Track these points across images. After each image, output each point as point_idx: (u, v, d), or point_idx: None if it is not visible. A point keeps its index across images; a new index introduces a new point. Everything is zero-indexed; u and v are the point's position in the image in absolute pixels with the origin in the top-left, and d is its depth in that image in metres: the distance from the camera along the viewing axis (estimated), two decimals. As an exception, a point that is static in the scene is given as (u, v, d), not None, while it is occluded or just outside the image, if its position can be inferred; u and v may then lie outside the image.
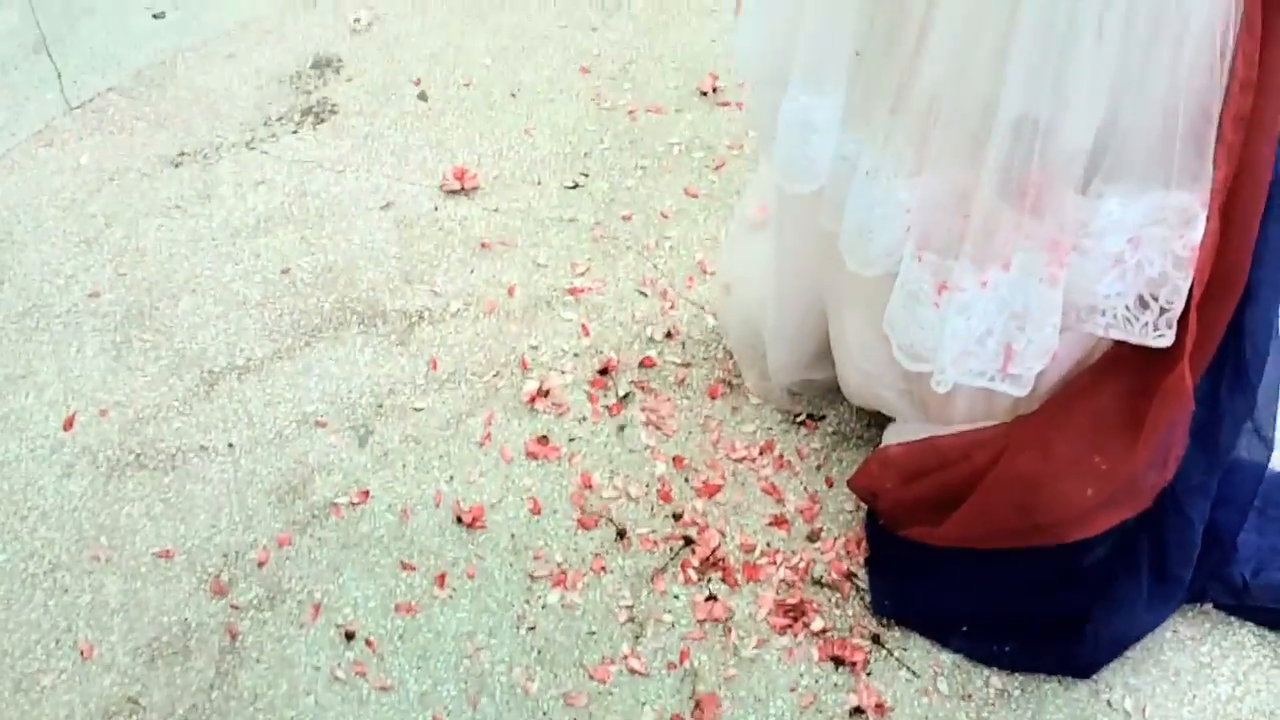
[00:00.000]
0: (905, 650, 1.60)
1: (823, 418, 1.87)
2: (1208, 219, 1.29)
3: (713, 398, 1.91)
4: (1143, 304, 1.35)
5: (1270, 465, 1.56)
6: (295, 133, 2.45)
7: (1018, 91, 1.27)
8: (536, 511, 1.76)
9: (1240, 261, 1.36)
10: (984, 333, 1.38)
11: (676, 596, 1.65)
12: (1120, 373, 1.44)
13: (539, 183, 2.33)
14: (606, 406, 1.90)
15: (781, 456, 1.82)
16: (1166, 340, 1.35)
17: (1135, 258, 1.33)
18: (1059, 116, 1.27)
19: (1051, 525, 1.45)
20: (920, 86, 1.34)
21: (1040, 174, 1.31)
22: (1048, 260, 1.32)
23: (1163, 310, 1.35)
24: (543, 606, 1.65)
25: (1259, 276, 1.39)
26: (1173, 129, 1.28)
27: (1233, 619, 1.61)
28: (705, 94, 2.51)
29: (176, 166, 2.39)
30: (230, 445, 1.86)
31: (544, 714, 1.55)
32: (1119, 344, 1.42)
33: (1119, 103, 1.27)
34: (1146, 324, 1.36)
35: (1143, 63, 1.25)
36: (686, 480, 1.79)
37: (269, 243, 2.21)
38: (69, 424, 1.90)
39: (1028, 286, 1.34)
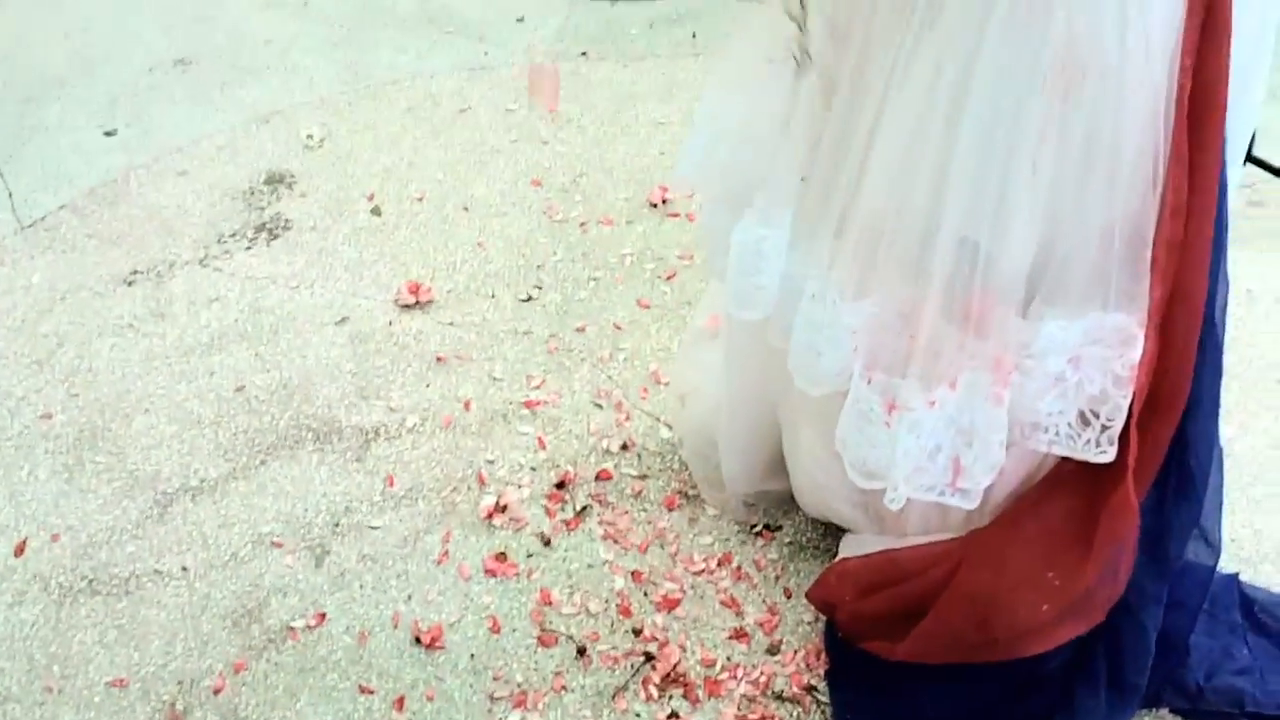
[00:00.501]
0: (868, 763, 1.60)
1: (779, 528, 1.89)
2: (1146, 339, 1.33)
3: (670, 509, 1.92)
4: (1084, 421, 1.39)
5: (1217, 568, 1.59)
6: (249, 249, 2.47)
7: (958, 216, 1.32)
8: (496, 630, 1.75)
9: (1180, 378, 1.40)
10: (934, 448, 1.41)
11: (638, 715, 1.65)
12: (1068, 488, 1.47)
13: (493, 296, 2.35)
14: (564, 521, 1.90)
15: (740, 568, 1.83)
16: (1108, 456, 1.38)
17: (1076, 377, 1.37)
18: (999, 240, 1.31)
19: (1009, 640, 1.46)
20: (863, 211, 1.38)
21: (982, 295, 1.35)
22: (992, 380, 1.36)
23: (1104, 427, 1.39)
24: (503, 728, 1.64)
25: (1198, 392, 1.43)
26: (1109, 253, 1.33)
27: (1188, 723, 1.63)
28: (655, 205, 2.55)
29: (129, 284, 2.39)
30: (184, 569, 1.85)
31: (507, 839, 1.53)
32: (1065, 459, 1.45)
33: (1056, 228, 1.32)
34: (1089, 440, 1.39)
35: (1078, 191, 1.30)
36: (646, 594, 1.80)
37: (223, 360, 2.21)
38: (20, 550, 1.88)
39: (974, 405, 1.37)
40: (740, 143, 1.51)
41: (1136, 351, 1.34)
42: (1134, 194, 1.32)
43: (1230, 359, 2.07)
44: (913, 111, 1.33)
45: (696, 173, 1.59)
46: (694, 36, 3.12)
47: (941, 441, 1.41)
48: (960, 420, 1.39)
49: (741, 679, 1.68)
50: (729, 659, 1.71)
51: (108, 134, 2.81)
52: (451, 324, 2.28)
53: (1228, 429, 1.83)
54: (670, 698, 1.67)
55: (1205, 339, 1.42)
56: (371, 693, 1.68)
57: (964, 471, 1.42)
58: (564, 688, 1.68)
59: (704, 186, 1.61)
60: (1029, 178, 1.28)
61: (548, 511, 1.92)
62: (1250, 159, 2.54)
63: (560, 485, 1.96)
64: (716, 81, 1.59)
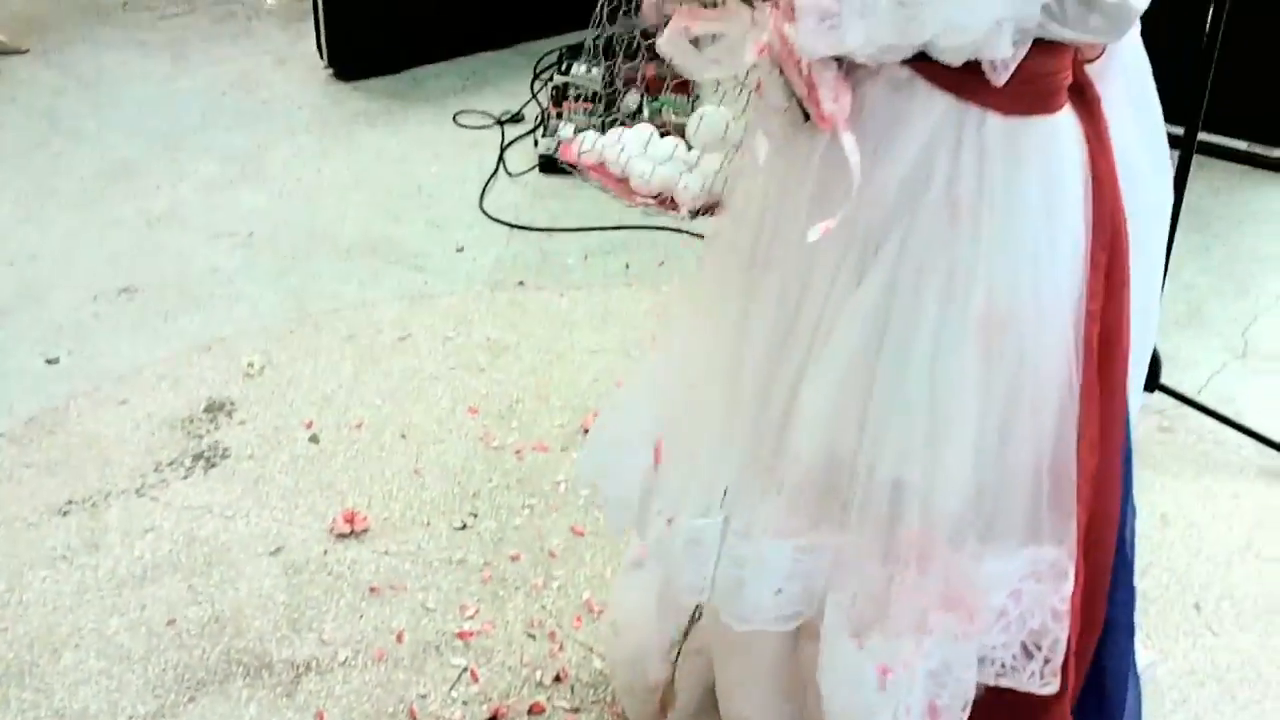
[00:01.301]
0: None
1: (711, 761, 1.89)
2: (1075, 569, 1.40)
3: (602, 743, 1.92)
4: (1028, 653, 1.44)
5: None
6: (186, 478, 2.49)
7: (891, 460, 1.38)
8: None
9: (1097, 604, 1.47)
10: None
11: None
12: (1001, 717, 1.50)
13: (428, 524, 2.38)
14: (496, 756, 1.90)
15: (671, 804, 1.82)
16: (1053, 688, 1.43)
17: (1018, 610, 1.43)
18: (933, 482, 1.38)
19: None
20: (793, 456, 1.44)
21: (920, 535, 1.41)
22: (958, 618, 1.40)
23: (1046, 660, 1.44)
24: None
25: (1114, 616, 1.49)
26: (1040, 491, 1.41)
27: None
28: (589, 431, 2.61)
29: (64, 515, 2.39)
30: (107, 812, 1.82)
31: None
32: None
33: (988, 469, 1.39)
34: (1033, 673, 1.44)
35: (1007, 432, 1.39)
36: (577, 832, 1.79)
37: (155, 592, 2.21)
38: (-63, 794, 1.84)
39: (944, 645, 1.41)
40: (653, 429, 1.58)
41: (1069, 585, 1.40)
42: (1058, 433, 1.40)
43: (1146, 584, 2.15)
44: (842, 361, 1.40)
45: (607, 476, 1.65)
46: (627, 268, 3.24)
47: (918, 689, 1.44)
48: (930, 662, 1.43)
49: None
50: None
51: (50, 362, 2.85)
52: (386, 553, 2.30)
53: (1145, 654, 1.88)
54: None
55: (1118, 564, 1.49)
56: None
57: (940, 713, 1.45)
58: None
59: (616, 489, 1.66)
60: (960, 422, 1.35)
61: (479, 747, 1.91)
62: (1160, 387, 2.67)
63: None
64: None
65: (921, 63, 1.29)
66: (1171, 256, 2.64)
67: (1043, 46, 1.28)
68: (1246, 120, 3.69)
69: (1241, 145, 3.75)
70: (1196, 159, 3.57)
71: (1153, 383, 2.64)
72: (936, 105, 1.32)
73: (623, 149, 2.48)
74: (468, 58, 4.41)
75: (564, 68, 4.05)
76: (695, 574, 1.52)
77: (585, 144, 2.50)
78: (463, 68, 4.37)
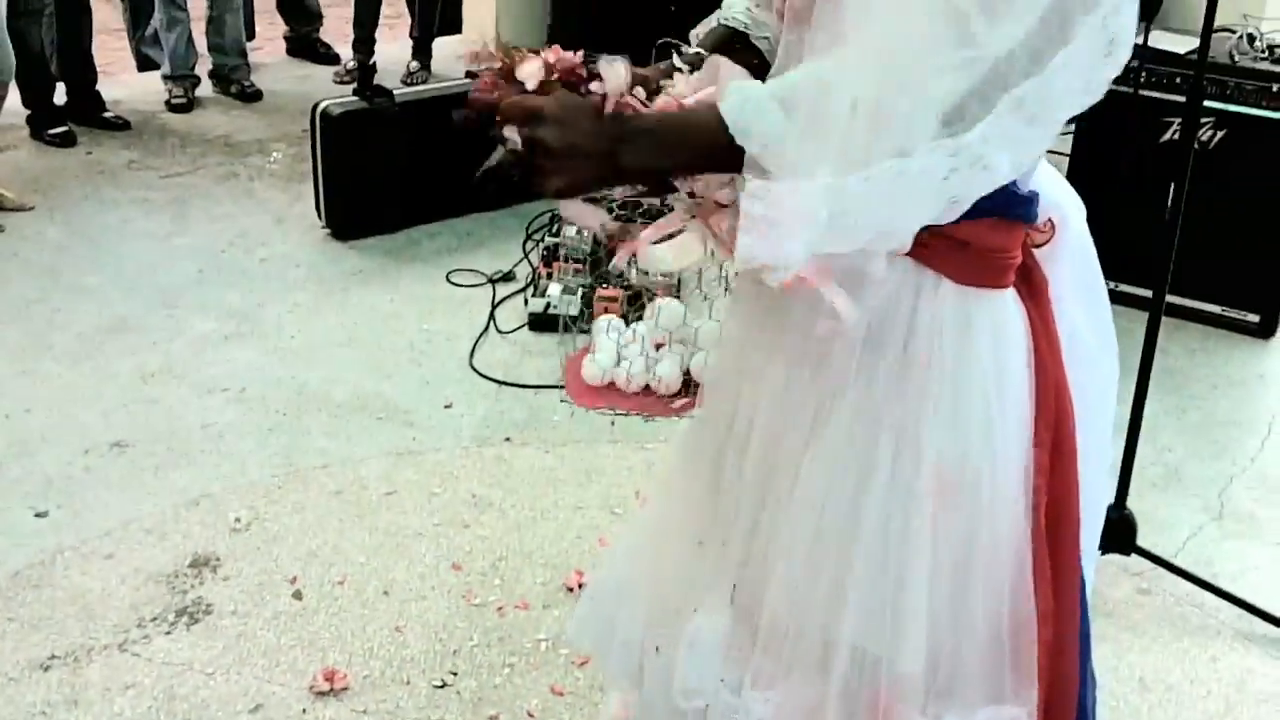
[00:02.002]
0: None
1: None
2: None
3: None
4: None
5: None
6: (168, 634, 2.50)
7: (854, 624, 1.42)
8: None
9: None
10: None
11: None
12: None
13: (408, 682, 2.38)
14: None
15: None
16: None
17: None
18: (895, 646, 1.41)
19: None
20: (767, 614, 1.48)
21: (884, 696, 1.43)
22: None
23: None
24: None
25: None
26: (1000, 652, 1.43)
27: None
28: (571, 590, 2.63)
29: (45, 670, 2.40)
30: None
31: None
32: None
33: (948, 631, 1.42)
34: None
35: (964, 596, 1.42)
36: None
37: (132, 751, 2.20)
38: None
39: None
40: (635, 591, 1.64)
41: None
42: (1015, 595, 1.43)
43: (1121, 751, 2.15)
44: (802, 520, 1.45)
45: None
46: (612, 424, 3.30)
47: None
48: None
49: None
50: None
51: (39, 515, 2.87)
52: (365, 712, 2.30)
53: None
54: None
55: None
56: None
57: None
58: None
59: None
60: (920, 586, 1.39)
61: None
62: (1137, 550, 2.70)
63: None
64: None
65: None
66: (1148, 419, 2.70)
67: (998, 224, 1.36)
68: (1219, 285, 3.79)
69: (1215, 309, 3.83)
70: (1173, 322, 3.68)
71: (1129, 545, 2.67)
72: (896, 266, 1.40)
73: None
74: (462, 219, 4.53)
75: (555, 230, 4.17)
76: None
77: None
78: (457, 228, 4.48)
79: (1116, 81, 1.28)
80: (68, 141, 5.08)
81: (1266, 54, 3.68)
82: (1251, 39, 3.73)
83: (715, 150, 1.22)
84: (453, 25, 6.54)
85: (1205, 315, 3.83)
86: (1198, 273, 3.72)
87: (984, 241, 1.35)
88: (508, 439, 3.23)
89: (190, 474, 3.04)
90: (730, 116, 1.21)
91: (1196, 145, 3.58)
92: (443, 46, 6.17)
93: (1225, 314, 3.83)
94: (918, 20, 1.19)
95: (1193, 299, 3.80)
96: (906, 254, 1.38)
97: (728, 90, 1.25)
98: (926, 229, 1.33)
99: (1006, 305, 1.44)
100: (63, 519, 2.87)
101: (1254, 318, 3.80)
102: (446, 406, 3.37)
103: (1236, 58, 3.65)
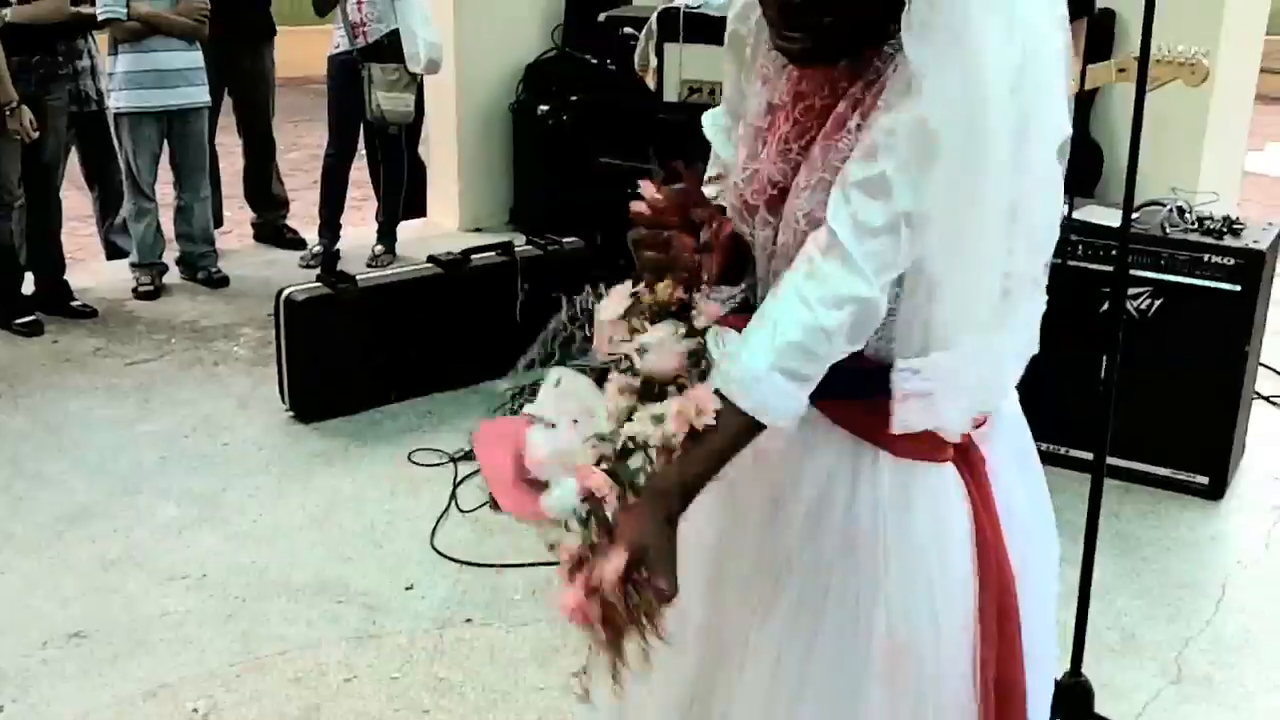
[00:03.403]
0: None
1: None
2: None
3: None
4: None
5: None
6: (121, 831, 2.46)
7: None
8: None
9: None
10: None
11: None
12: None
13: None
14: None
15: None
16: None
17: None
18: None
19: None
20: None
21: None
22: None
23: None
24: None
25: None
26: None
27: None
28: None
29: None
30: None
31: None
32: None
33: None
34: None
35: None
36: None
37: None
38: None
39: None
40: None
41: None
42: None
43: None
44: (756, 694, 1.48)
45: None
46: (573, 603, 3.30)
47: None
48: None
49: None
50: None
51: (-7, 712, 2.85)
52: None
53: None
54: None
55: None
56: None
57: None
58: None
59: None
60: None
61: None
62: (1094, 717, 2.71)
63: None
64: None
65: (825, 401, 1.42)
66: (1102, 583, 2.74)
67: None
68: (1168, 448, 3.87)
69: (1165, 472, 3.90)
70: (1125, 485, 3.75)
71: (1087, 712, 2.69)
72: (835, 440, 1.46)
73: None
74: (424, 398, 4.59)
75: (517, 406, 4.23)
76: None
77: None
78: (419, 408, 4.54)
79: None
80: (35, 331, 5.15)
81: (1197, 225, 3.83)
82: (1182, 211, 3.88)
83: (753, 431, 1.34)
84: (417, 209, 6.72)
85: (1156, 478, 3.90)
86: (1146, 437, 3.80)
87: None
88: (469, 620, 3.23)
89: (149, 664, 3.02)
90: (750, 408, 1.32)
91: (1136, 314, 3.74)
92: (407, 230, 6.32)
93: (1175, 476, 3.89)
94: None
95: (1143, 462, 3.88)
96: (845, 427, 1.45)
97: (730, 378, 1.34)
98: (863, 406, 1.41)
99: (946, 479, 1.50)
100: (18, 713, 2.84)
101: (1203, 480, 3.87)
102: (407, 588, 3.37)
103: (1168, 229, 3.80)
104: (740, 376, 1.32)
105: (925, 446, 1.48)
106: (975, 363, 1.39)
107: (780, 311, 1.33)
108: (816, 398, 1.42)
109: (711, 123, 1.70)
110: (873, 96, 1.38)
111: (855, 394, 1.43)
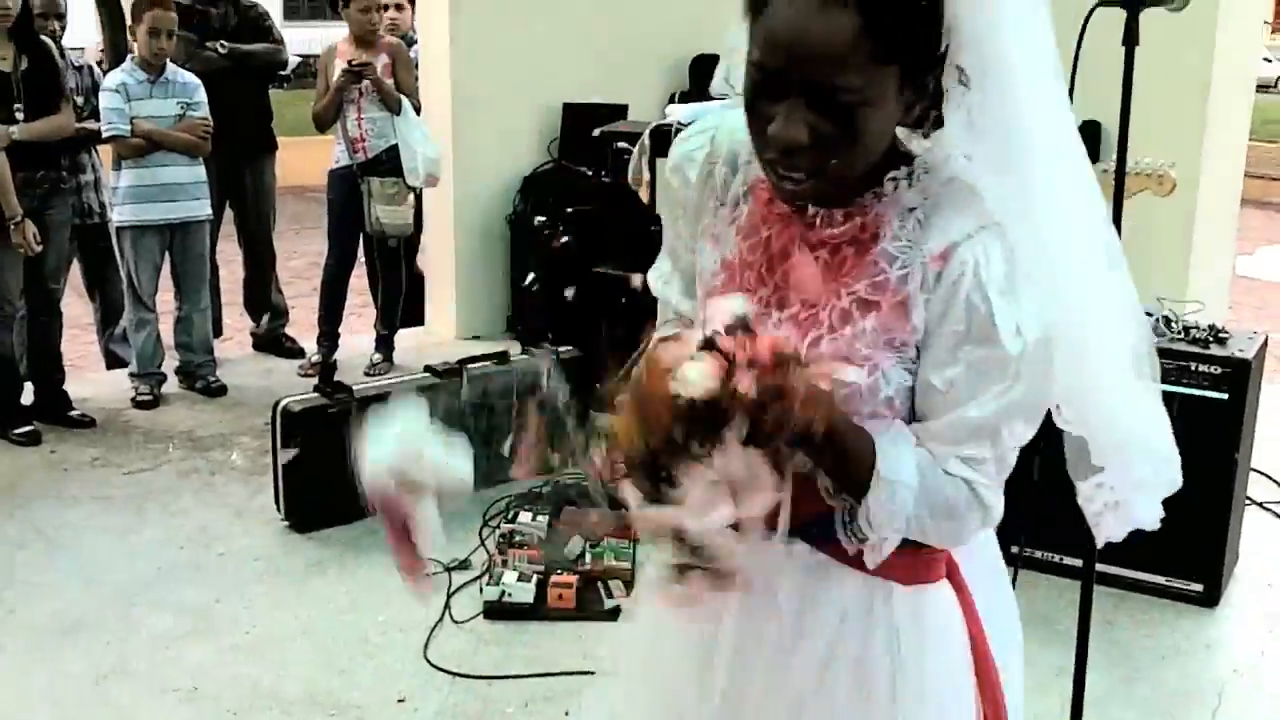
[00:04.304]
0: None
1: None
2: None
3: None
4: None
5: None
6: None
7: None
8: None
9: None
10: None
11: None
12: None
13: None
14: None
15: None
16: None
17: None
18: None
19: None
20: None
21: None
22: None
23: None
24: None
25: None
26: None
27: None
28: None
29: None
30: None
31: None
32: None
33: None
34: None
35: None
36: None
37: None
38: None
39: None
40: None
41: None
42: None
43: None
44: None
45: None
46: (566, 714, 3.29)
47: None
48: None
49: None
50: None
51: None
52: None
53: None
54: None
55: None
56: None
57: None
58: None
59: None
60: None
61: None
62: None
63: None
64: None
65: (835, 545, 1.45)
66: (1096, 692, 2.74)
67: None
68: (1161, 556, 3.87)
69: (1160, 580, 3.90)
70: (1119, 593, 3.75)
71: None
72: (848, 582, 1.48)
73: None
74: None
75: (511, 516, 4.25)
76: None
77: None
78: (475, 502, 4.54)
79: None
80: (32, 440, 5.18)
81: (1183, 334, 3.88)
82: (1168, 321, 3.94)
83: (864, 488, 1.36)
84: (415, 318, 6.79)
85: (1150, 586, 3.90)
86: (1140, 544, 3.74)
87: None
88: (461, 734, 3.21)
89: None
90: (880, 479, 1.35)
91: (1124, 421, 3.76)
92: (405, 338, 6.39)
93: (1169, 584, 3.89)
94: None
95: (1136, 570, 3.88)
96: (855, 568, 1.47)
97: (888, 456, 1.36)
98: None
99: (944, 597, 1.52)
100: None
101: (1197, 587, 3.87)
102: (399, 701, 3.36)
103: (1154, 339, 3.84)
104: (895, 469, 1.36)
105: (925, 570, 1.50)
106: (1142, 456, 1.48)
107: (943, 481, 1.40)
108: (824, 541, 1.45)
109: (659, 278, 1.68)
110: (887, 303, 1.39)
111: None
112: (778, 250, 1.45)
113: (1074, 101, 2.59)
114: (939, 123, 1.38)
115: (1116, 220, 2.59)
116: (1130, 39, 2.58)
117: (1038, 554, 3.84)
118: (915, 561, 1.47)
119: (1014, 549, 3.55)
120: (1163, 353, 3.74)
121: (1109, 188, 2.80)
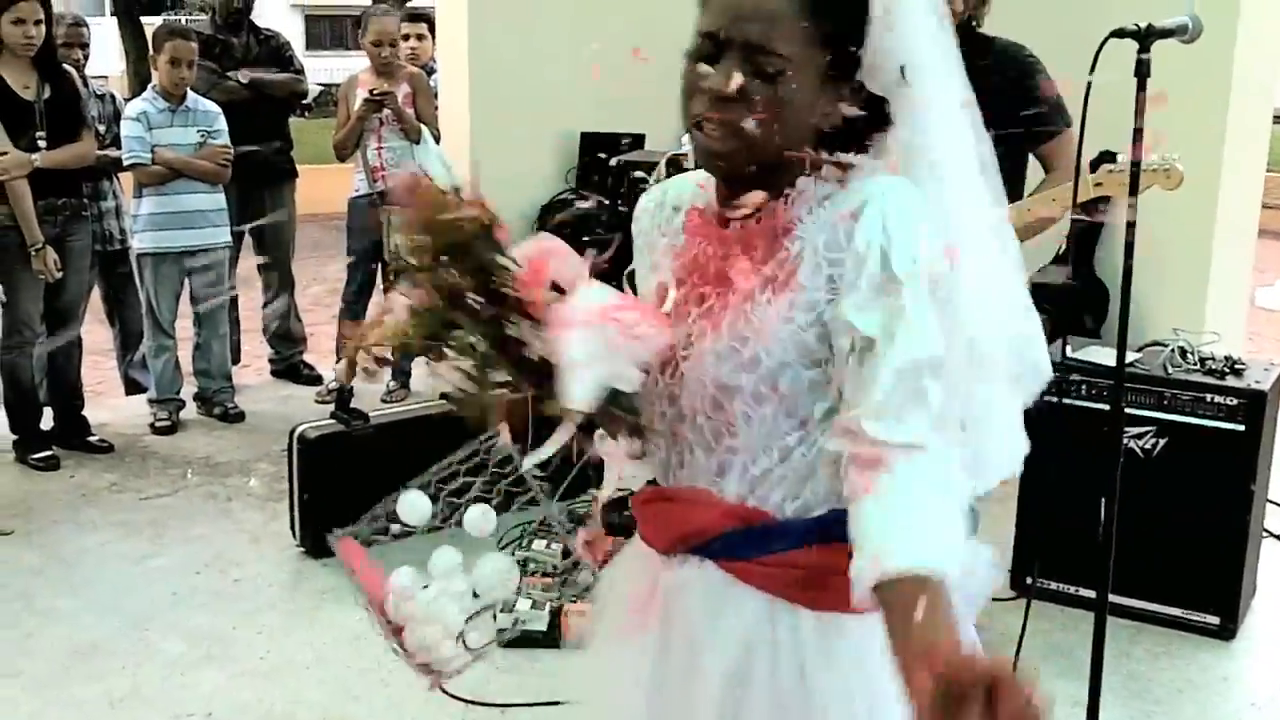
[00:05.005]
0: None
1: None
2: None
3: None
4: None
5: None
6: None
7: None
8: None
9: None
10: None
11: None
12: None
13: None
14: None
15: None
16: None
17: None
18: None
19: None
20: None
21: None
22: None
23: None
24: None
25: None
26: None
27: None
28: None
29: None
30: None
31: None
32: None
33: None
34: None
35: None
36: None
37: None
38: None
39: None
40: None
41: None
42: None
43: None
44: None
45: None
46: (579, 743, 3.28)
47: None
48: None
49: None
50: None
51: None
52: None
53: None
54: None
55: None
56: None
57: None
58: None
59: None
60: None
61: None
62: None
63: None
64: None
65: (735, 561, 1.45)
66: (1112, 725, 2.72)
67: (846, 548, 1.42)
68: (1178, 588, 3.85)
69: (1176, 612, 3.88)
70: (1135, 625, 3.74)
71: None
72: (748, 605, 1.48)
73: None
74: (435, 533, 4.58)
75: (525, 544, 4.25)
76: None
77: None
78: (430, 541, 4.52)
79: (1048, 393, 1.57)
80: (51, 465, 5.21)
81: (1199, 365, 3.88)
82: (1184, 352, 3.93)
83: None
84: (432, 345, 6.79)
85: (1167, 619, 3.88)
86: (1156, 576, 3.80)
87: (838, 566, 1.36)
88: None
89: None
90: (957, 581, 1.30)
91: (1141, 453, 3.76)
92: (423, 366, 6.39)
93: (1186, 617, 3.87)
94: None
95: (1153, 602, 3.86)
96: (760, 588, 1.47)
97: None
98: (777, 562, 1.45)
99: (867, 628, 1.46)
100: None
101: (1214, 620, 3.85)
102: (408, 728, 3.36)
103: (1170, 370, 3.84)
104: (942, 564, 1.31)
105: (842, 597, 1.45)
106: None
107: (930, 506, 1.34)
108: (724, 559, 1.46)
109: None
110: (784, 274, 1.44)
111: (768, 551, 1.46)
112: (703, 258, 1.54)
113: (1087, 132, 2.63)
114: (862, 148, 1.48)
115: (1129, 246, 2.59)
116: (1141, 70, 2.59)
117: (1051, 584, 3.83)
118: (826, 585, 1.41)
119: (1027, 580, 3.56)
120: (1178, 384, 3.79)
121: (1119, 185, 2.80)
